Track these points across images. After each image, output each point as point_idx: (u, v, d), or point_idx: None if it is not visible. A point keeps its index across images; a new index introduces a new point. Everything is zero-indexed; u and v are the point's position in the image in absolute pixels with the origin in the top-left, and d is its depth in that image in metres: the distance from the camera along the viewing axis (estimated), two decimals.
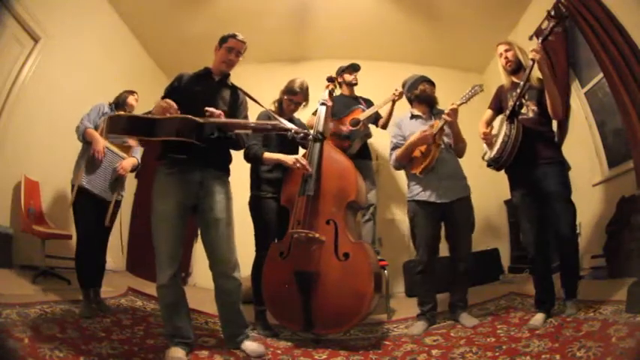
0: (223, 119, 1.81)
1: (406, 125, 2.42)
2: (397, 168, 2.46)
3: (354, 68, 3.21)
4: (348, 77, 3.19)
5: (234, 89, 2.03)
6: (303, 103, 2.44)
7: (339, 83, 3.21)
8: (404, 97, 2.88)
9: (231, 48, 1.96)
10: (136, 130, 1.72)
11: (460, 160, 2.42)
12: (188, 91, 1.90)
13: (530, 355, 1.54)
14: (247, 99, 2.06)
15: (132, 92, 2.61)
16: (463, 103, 2.21)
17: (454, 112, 2.20)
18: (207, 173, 1.83)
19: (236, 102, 2.00)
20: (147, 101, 2.67)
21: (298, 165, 2.15)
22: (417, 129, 2.33)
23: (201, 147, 1.72)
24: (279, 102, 2.43)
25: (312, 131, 2.23)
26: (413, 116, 2.45)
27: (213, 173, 1.85)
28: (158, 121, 1.67)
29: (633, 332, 1.47)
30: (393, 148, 2.42)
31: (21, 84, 2.78)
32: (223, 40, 1.99)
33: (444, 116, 2.21)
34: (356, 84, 3.23)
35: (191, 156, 1.77)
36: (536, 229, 2.06)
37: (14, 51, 2.77)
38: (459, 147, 2.37)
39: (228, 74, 2.03)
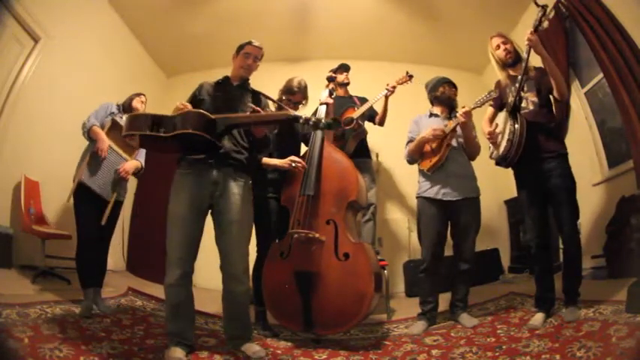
0: (234, 114, 1.82)
1: (423, 122, 2.45)
2: (410, 162, 2.48)
3: (344, 68, 3.21)
4: (340, 78, 3.19)
5: (255, 93, 2.07)
6: (303, 102, 2.45)
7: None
8: (396, 92, 2.90)
9: (248, 54, 2.03)
10: (154, 126, 1.68)
11: None
12: (209, 97, 1.95)
13: (530, 355, 1.54)
14: (269, 103, 2.11)
15: (138, 95, 2.60)
16: (477, 107, 2.23)
17: (467, 115, 2.22)
18: (224, 173, 1.83)
19: (259, 105, 2.01)
20: (147, 101, 2.67)
21: (294, 165, 2.17)
22: (433, 126, 2.34)
23: (219, 146, 1.73)
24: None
25: (322, 119, 2.21)
26: (431, 115, 2.48)
27: (231, 174, 1.85)
28: (172, 117, 1.67)
29: (633, 332, 1.47)
30: (408, 143, 2.45)
31: (21, 84, 2.78)
32: (240, 47, 2.06)
33: (458, 116, 2.24)
34: (348, 83, 3.22)
35: (208, 156, 1.78)
36: (539, 228, 2.07)
37: (14, 51, 2.78)
38: (470, 149, 2.38)
39: (247, 79, 2.07)
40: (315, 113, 2.57)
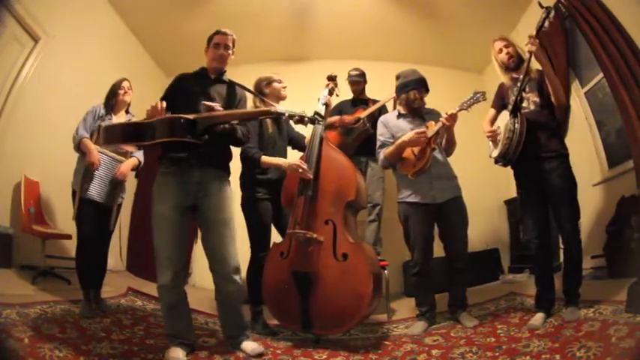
0: (215, 112, 1.81)
1: (393, 124, 2.39)
2: (385, 167, 2.44)
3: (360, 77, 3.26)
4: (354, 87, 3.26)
5: (232, 85, 2.03)
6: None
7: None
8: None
9: (217, 44, 1.99)
10: (130, 137, 1.74)
11: (461, 161, 2.42)
12: (185, 91, 1.92)
13: (530, 355, 1.54)
14: (247, 94, 2.07)
15: (121, 87, 2.48)
16: (463, 109, 2.17)
17: (453, 118, 2.17)
18: (206, 172, 1.82)
19: (234, 97, 2.00)
20: (146, 101, 2.66)
21: (300, 170, 2.11)
22: (404, 128, 2.31)
23: (200, 145, 1.72)
24: None
25: (308, 113, 2.05)
26: (400, 115, 2.40)
27: (213, 172, 1.84)
28: (149, 125, 1.68)
29: (633, 332, 1.48)
30: (381, 147, 2.38)
31: (21, 84, 2.78)
32: (209, 39, 2.03)
33: (442, 120, 2.18)
34: (363, 94, 3.28)
35: (189, 155, 1.77)
36: (539, 228, 2.06)
37: (14, 51, 2.77)
38: (450, 148, 2.36)
39: (224, 71, 2.03)
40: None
